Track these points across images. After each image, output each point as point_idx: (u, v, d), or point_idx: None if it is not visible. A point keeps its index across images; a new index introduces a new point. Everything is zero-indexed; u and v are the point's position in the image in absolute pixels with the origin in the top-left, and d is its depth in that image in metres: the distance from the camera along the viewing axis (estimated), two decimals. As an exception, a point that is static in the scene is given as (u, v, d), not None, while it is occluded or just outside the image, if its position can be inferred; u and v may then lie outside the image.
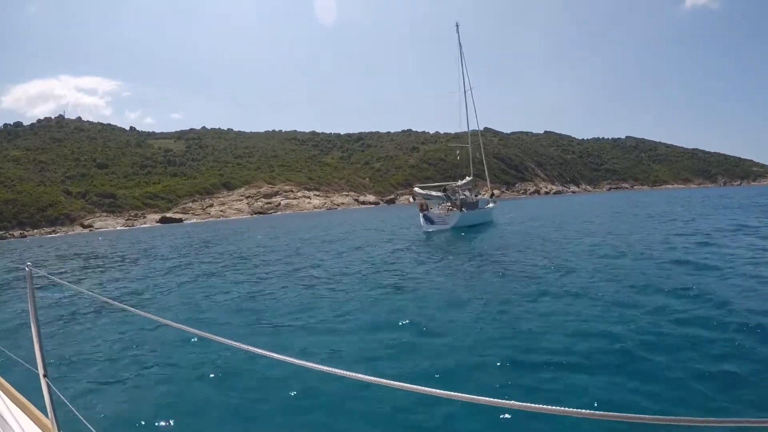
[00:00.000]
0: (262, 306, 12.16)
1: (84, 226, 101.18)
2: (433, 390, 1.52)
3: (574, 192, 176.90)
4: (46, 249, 45.68)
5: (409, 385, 1.61)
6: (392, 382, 1.59)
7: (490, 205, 41.57)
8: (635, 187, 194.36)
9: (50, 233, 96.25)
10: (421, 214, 35.89)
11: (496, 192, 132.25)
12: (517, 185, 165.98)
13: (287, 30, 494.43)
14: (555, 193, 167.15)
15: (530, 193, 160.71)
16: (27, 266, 2.74)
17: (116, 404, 6.40)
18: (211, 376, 7.02)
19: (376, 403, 6.13)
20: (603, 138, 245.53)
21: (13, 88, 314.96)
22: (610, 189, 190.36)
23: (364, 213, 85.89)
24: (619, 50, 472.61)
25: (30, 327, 2.66)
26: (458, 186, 40.16)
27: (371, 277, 16.05)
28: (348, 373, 1.73)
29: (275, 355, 1.80)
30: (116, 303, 2.84)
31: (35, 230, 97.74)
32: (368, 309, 11.40)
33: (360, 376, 1.74)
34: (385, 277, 16.16)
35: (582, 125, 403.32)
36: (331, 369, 1.76)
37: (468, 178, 41.81)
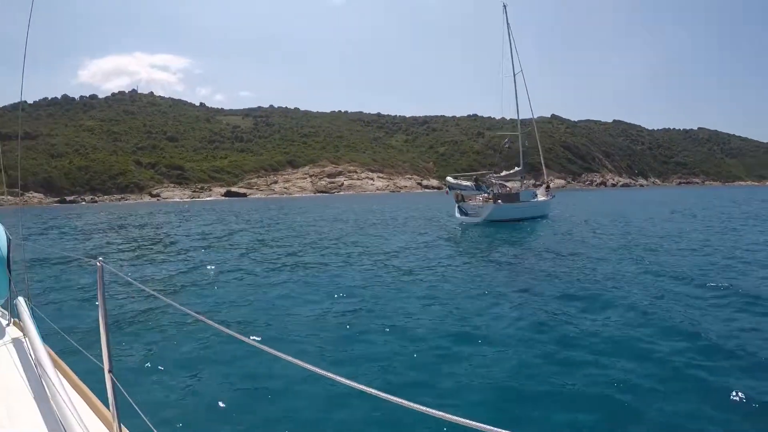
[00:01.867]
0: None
1: (152, 196, 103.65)
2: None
3: (642, 185, 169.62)
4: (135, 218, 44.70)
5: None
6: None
7: (540, 198, 38.31)
8: (706, 182, 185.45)
9: (119, 200, 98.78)
10: (456, 205, 34.34)
11: (554, 182, 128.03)
12: (583, 176, 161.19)
13: (356, 10, 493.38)
14: (622, 185, 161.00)
15: (596, 185, 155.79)
16: (99, 261, 2.71)
17: (177, 405, 6.38)
18: (276, 389, 6.77)
19: None
20: (674, 128, 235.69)
21: (90, 62, 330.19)
22: (680, 183, 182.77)
23: (423, 198, 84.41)
24: (694, 33, 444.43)
25: (98, 322, 2.63)
26: (498, 176, 37.83)
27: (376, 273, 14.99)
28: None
29: (339, 379, 1.74)
30: (185, 309, 2.69)
31: (105, 196, 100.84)
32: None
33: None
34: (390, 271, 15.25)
35: (652, 114, 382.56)
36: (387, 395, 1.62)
37: (516, 168, 38.96)
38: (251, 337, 2.59)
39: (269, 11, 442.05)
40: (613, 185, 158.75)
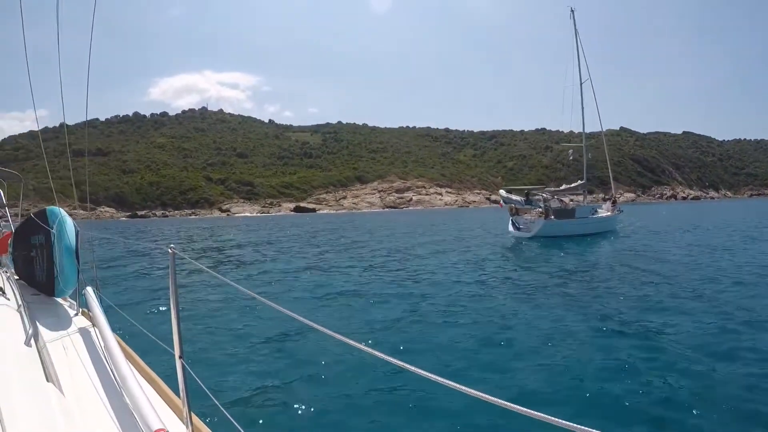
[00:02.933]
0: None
1: (222, 211, 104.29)
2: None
3: (713, 198, 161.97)
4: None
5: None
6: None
7: (604, 212, 36.24)
8: None
9: (190, 215, 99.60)
10: (510, 219, 33.16)
11: (623, 196, 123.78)
12: (653, 189, 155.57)
13: (420, 28, 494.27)
14: (693, 198, 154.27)
15: (667, 198, 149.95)
16: (170, 248, 2.82)
17: (249, 392, 6.38)
18: (352, 378, 6.70)
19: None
20: (745, 139, 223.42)
21: (160, 81, 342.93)
22: (751, 195, 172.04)
23: (489, 213, 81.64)
24: (764, 39, 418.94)
25: (170, 309, 2.71)
26: (557, 190, 36.12)
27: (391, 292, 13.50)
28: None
29: (414, 369, 1.76)
30: (257, 296, 2.70)
31: (176, 211, 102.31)
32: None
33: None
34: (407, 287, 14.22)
35: (723, 124, 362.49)
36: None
37: (580, 182, 36.73)
38: (321, 326, 2.16)
39: (332, 28, 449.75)
40: (684, 198, 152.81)
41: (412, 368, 1.70)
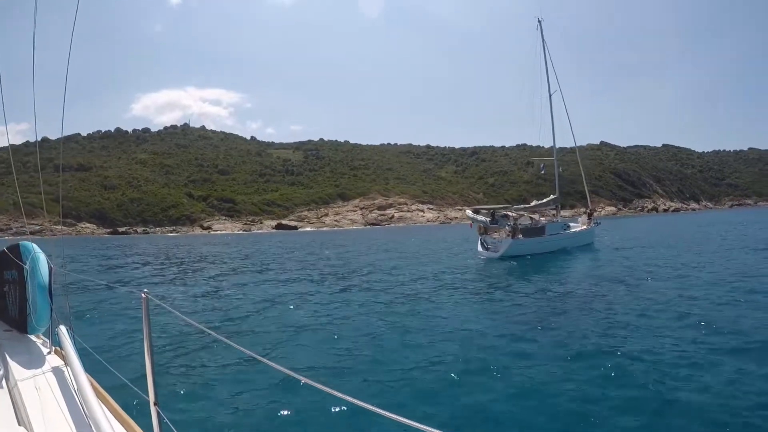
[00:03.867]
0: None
1: (203, 228, 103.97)
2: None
3: (694, 209, 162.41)
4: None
5: None
6: None
7: (579, 227, 36.37)
8: (759, 203, 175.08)
9: (171, 232, 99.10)
10: (479, 239, 32.60)
11: (604, 210, 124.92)
12: (634, 202, 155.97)
13: (403, 43, 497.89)
14: (674, 210, 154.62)
15: (648, 211, 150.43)
16: (143, 293, 2.81)
17: None
18: (327, 427, 6.71)
19: None
20: (724, 150, 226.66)
21: (143, 96, 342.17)
22: (732, 206, 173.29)
23: (466, 230, 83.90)
24: (740, 48, 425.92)
25: (144, 353, 2.76)
26: (526, 207, 36.13)
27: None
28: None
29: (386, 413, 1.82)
30: (230, 342, 3.00)
31: (157, 228, 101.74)
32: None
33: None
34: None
35: (701, 137, 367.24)
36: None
37: (552, 197, 36.50)
38: (296, 372, 2.51)
39: (314, 46, 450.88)
40: (665, 210, 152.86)
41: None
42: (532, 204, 36.85)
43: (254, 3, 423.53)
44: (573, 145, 42.03)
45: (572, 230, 35.54)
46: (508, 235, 31.19)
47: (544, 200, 36.58)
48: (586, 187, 42.58)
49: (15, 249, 4.60)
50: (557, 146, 40.19)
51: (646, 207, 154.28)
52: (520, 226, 32.38)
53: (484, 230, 32.46)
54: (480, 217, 33.41)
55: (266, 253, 40.15)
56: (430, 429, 1.57)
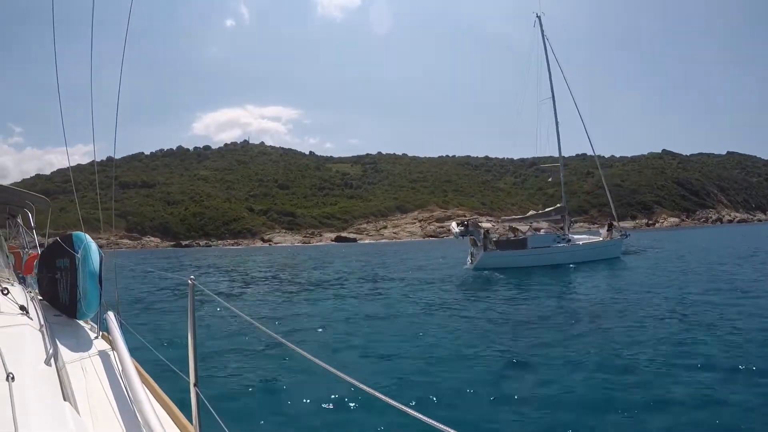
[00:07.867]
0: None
1: (264, 241, 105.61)
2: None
3: (760, 220, 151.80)
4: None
5: None
6: None
7: (588, 239, 34.21)
8: None
9: (233, 245, 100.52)
10: (470, 250, 31.69)
11: (667, 221, 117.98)
12: (698, 213, 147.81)
13: (458, 57, 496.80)
14: (739, 221, 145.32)
15: (712, 222, 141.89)
16: (190, 280, 3.03)
17: (259, 420, 6.72)
18: (355, 417, 6.86)
19: None
20: None
21: (203, 116, 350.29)
22: None
23: None
24: None
25: (187, 337, 2.89)
26: (522, 218, 35.80)
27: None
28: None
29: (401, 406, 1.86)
30: (268, 331, 2.94)
31: (219, 241, 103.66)
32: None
33: None
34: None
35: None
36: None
37: (558, 205, 35.21)
38: (326, 362, 2.41)
39: (370, 62, 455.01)
40: (730, 221, 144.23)
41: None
42: (530, 214, 36.00)
43: (305, 21, 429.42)
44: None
45: (578, 243, 32.91)
46: (485, 248, 30.55)
47: (548, 209, 35.32)
48: (609, 197, 39.18)
49: (68, 239, 4.71)
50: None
51: (711, 218, 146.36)
52: (502, 238, 32.03)
53: (474, 242, 31.43)
54: (454, 229, 32.33)
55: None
56: None
